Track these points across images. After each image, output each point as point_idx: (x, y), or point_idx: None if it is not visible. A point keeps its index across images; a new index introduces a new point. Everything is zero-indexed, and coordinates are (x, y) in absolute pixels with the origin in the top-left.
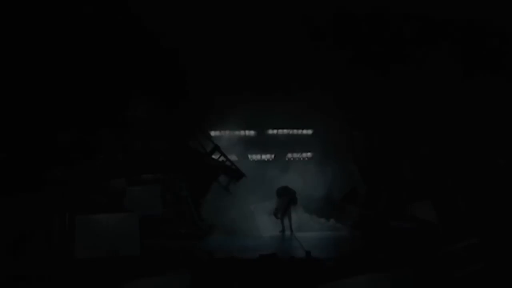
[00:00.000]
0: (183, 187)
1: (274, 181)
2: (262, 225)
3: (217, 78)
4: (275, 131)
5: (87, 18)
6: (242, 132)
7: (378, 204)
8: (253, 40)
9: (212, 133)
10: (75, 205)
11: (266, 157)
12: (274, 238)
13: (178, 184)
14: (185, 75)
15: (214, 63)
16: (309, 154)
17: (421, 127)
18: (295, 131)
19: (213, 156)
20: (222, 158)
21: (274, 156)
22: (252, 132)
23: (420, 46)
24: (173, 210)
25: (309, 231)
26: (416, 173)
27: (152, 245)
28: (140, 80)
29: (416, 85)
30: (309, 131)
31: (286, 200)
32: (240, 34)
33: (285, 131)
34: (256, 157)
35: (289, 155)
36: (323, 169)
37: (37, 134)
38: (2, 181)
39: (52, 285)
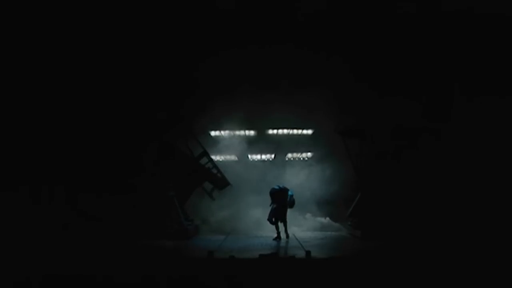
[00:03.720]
0: (169, 187)
1: (274, 181)
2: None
3: (217, 78)
4: (275, 131)
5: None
6: (242, 132)
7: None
8: (253, 39)
9: (212, 133)
10: None
11: (266, 157)
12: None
13: (165, 184)
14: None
15: (214, 63)
16: (309, 154)
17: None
18: (295, 131)
19: (201, 161)
20: (209, 165)
21: (274, 156)
22: (252, 132)
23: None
24: (160, 210)
25: (307, 230)
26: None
27: (145, 244)
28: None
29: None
30: (309, 131)
31: (280, 202)
32: (238, 32)
33: (285, 131)
34: (256, 157)
35: (289, 155)
36: (323, 169)
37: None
38: None
39: None
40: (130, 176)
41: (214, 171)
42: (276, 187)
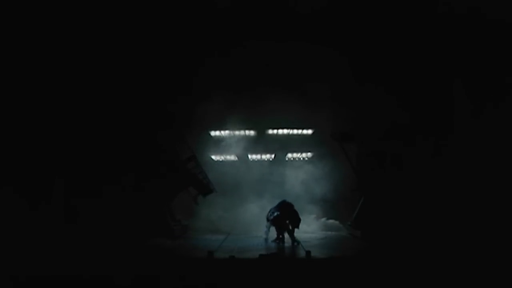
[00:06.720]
0: (155, 188)
1: (275, 180)
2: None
3: (217, 78)
4: (275, 131)
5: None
6: (242, 132)
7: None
8: (253, 39)
9: (212, 133)
10: None
11: (266, 157)
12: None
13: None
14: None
15: (214, 63)
16: (309, 154)
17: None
18: (295, 131)
19: (188, 165)
20: (196, 170)
21: (274, 156)
22: (252, 132)
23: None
24: (148, 210)
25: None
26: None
27: (136, 244)
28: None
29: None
30: (309, 131)
31: (286, 220)
32: (239, 32)
33: (285, 131)
34: (256, 157)
35: (289, 155)
36: (322, 169)
37: None
38: None
39: None
40: (117, 175)
41: (200, 176)
42: (276, 214)
